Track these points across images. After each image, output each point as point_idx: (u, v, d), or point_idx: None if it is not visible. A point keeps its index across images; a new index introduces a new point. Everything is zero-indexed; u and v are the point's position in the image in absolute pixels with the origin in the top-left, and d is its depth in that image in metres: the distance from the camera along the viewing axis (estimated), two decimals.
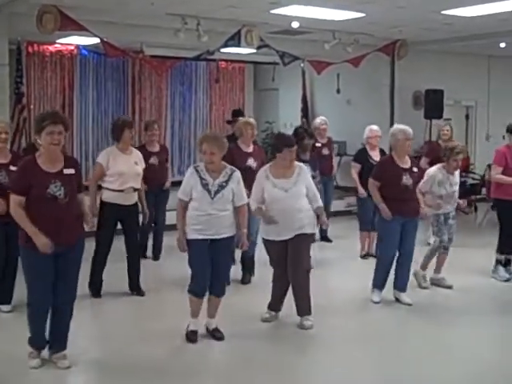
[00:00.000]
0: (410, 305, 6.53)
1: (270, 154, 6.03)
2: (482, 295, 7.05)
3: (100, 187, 6.72)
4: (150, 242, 8.47)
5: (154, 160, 8.03)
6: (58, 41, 11.54)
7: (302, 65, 12.58)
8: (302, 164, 6.02)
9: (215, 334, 5.54)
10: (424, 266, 7.21)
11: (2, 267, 5.99)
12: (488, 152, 11.42)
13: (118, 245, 6.80)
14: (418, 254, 6.91)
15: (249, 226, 5.81)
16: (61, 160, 4.75)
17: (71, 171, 4.76)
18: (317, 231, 8.55)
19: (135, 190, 6.69)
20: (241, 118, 7.87)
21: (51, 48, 12.33)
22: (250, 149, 7.23)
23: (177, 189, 5.57)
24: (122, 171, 6.59)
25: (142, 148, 7.63)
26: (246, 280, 7.34)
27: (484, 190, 11.68)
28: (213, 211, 5.31)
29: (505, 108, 13.52)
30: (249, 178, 5.97)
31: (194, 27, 9.78)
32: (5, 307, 6.12)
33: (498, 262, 7.58)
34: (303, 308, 5.87)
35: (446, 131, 9.22)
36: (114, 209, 6.58)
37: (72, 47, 12.35)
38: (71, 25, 8.94)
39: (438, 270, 7.30)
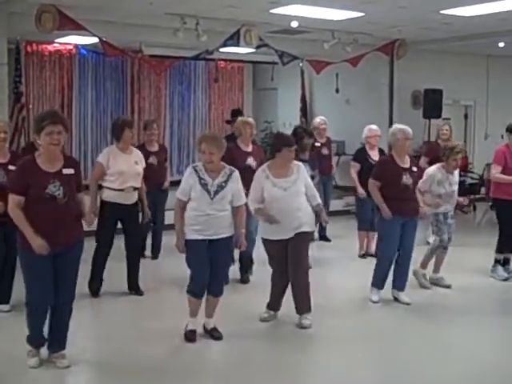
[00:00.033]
0: (408, 304, 6.54)
1: (269, 154, 6.02)
2: (481, 295, 7.05)
3: (100, 186, 6.72)
4: (149, 242, 8.48)
5: (152, 159, 8.04)
6: (56, 40, 11.53)
7: (300, 64, 12.57)
8: (300, 163, 6.02)
9: (214, 334, 5.54)
10: (424, 265, 7.22)
11: (0, 267, 5.99)
12: (487, 151, 11.43)
13: (117, 244, 6.80)
14: (418, 253, 6.91)
15: (247, 225, 5.81)
16: (60, 160, 4.74)
17: (70, 171, 4.74)
18: (316, 230, 8.62)
19: (135, 189, 6.70)
20: (240, 118, 7.87)
21: (50, 47, 12.32)
22: (249, 148, 7.24)
23: (176, 188, 5.56)
24: (122, 170, 6.59)
25: (140, 147, 7.63)
26: (244, 279, 7.34)
27: (483, 190, 11.69)
28: (212, 211, 5.31)
29: (503, 107, 13.53)
30: (248, 177, 5.97)
31: (193, 27, 9.78)
32: (3, 307, 6.12)
33: (496, 261, 7.59)
34: (303, 306, 5.87)
35: (445, 131, 9.22)
36: (114, 208, 6.59)
37: (71, 47, 12.34)
38: (70, 24, 8.93)
39: (436, 269, 7.31)
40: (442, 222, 7.10)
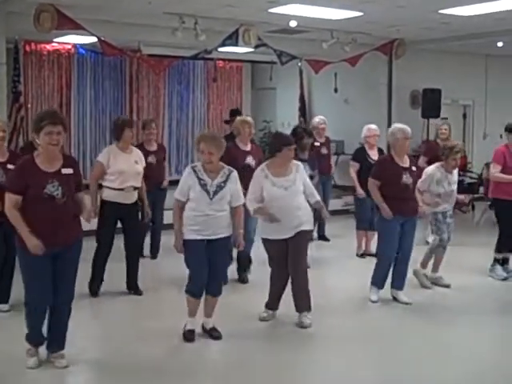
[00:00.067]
0: (407, 303, 6.54)
1: (268, 153, 6.02)
2: (480, 294, 7.05)
3: (100, 186, 6.71)
4: (148, 241, 8.46)
5: (151, 159, 8.03)
6: (55, 40, 11.54)
7: (299, 64, 12.56)
8: (298, 162, 6.02)
9: (213, 334, 5.54)
10: (424, 265, 7.22)
11: (0, 266, 5.99)
12: (485, 151, 11.45)
13: (117, 244, 6.79)
14: (417, 253, 6.90)
15: (245, 225, 5.81)
16: (59, 159, 4.72)
17: (69, 171, 4.73)
18: (314, 230, 8.62)
19: (135, 188, 6.70)
20: (238, 117, 7.86)
21: (48, 47, 12.33)
22: (248, 147, 7.24)
23: (174, 188, 5.55)
24: (122, 170, 6.59)
25: (139, 147, 7.62)
26: (243, 279, 7.34)
27: (481, 189, 11.69)
28: (210, 212, 5.30)
29: (502, 107, 13.54)
30: (247, 176, 5.96)
31: (191, 26, 9.78)
32: (2, 306, 6.12)
33: (495, 260, 7.59)
34: (302, 305, 5.87)
35: (444, 130, 9.23)
36: (114, 207, 6.58)
37: (69, 46, 12.34)
38: (68, 23, 8.93)
39: (435, 268, 7.31)
40: (441, 221, 7.11)
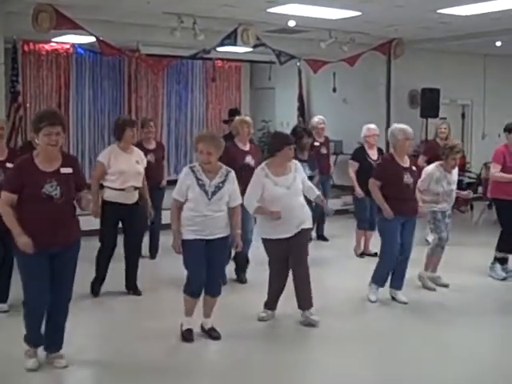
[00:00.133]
0: (405, 303, 6.54)
1: (267, 153, 6.02)
2: (480, 294, 7.04)
3: (102, 186, 6.70)
4: (146, 241, 8.44)
5: (150, 157, 7.99)
6: (53, 39, 11.53)
7: (298, 64, 12.57)
8: (295, 161, 6.02)
9: (212, 334, 5.53)
10: (427, 267, 7.20)
11: None
12: (484, 151, 11.48)
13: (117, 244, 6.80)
14: (416, 253, 6.89)
15: (243, 225, 5.81)
16: (58, 159, 4.70)
17: (68, 170, 4.70)
18: (313, 230, 8.62)
19: (136, 188, 6.68)
20: (237, 117, 7.85)
21: (47, 47, 12.33)
22: (247, 147, 7.22)
23: (173, 188, 5.54)
24: (122, 170, 6.58)
25: (138, 145, 7.61)
26: (241, 279, 7.33)
27: (480, 189, 11.70)
28: (208, 212, 5.29)
29: (501, 107, 13.55)
30: (247, 176, 5.95)
31: (190, 26, 9.78)
32: (1, 306, 6.11)
33: (496, 259, 7.59)
34: (306, 302, 5.87)
35: (444, 129, 9.24)
36: (115, 208, 6.57)
37: (68, 46, 12.34)
38: (67, 23, 8.94)
39: (434, 268, 7.30)
40: (440, 220, 7.09)
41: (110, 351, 5.35)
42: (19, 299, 4.96)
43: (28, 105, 11.93)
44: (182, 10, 9.44)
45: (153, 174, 7.91)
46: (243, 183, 5.71)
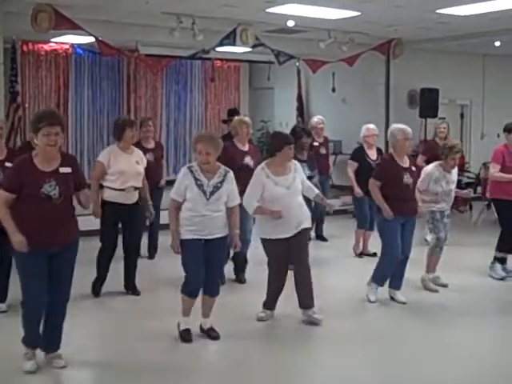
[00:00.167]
0: (404, 303, 6.53)
1: (266, 153, 6.02)
2: (480, 294, 7.03)
3: (101, 186, 6.70)
4: (145, 241, 8.43)
5: (149, 156, 7.96)
6: (52, 40, 11.53)
7: (297, 64, 12.57)
8: (294, 161, 6.02)
9: (211, 334, 5.53)
10: (428, 268, 7.19)
11: None
12: (483, 151, 11.47)
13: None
14: (415, 253, 6.88)
15: (241, 225, 5.80)
16: (57, 159, 4.69)
17: (67, 170, 4.69)
18: (312, 230, 8.61)
19: (136, 188, 6.68)
20: (236, 117, 7.85)
21: (46, 47, 12.33)
22: (246, 147, 7.22)
23: (171, 188, 5.53)
24: (122, 170, 6.57)
25: (136, 144, 7.60)
26: (240, 279, 7.33)
27: (479, 189, 11.70)
28: (207, 212, 5.29)
29: (500, 107, 13.55)
30: (246, 176, 5.95)
31: (189, 26, 9.78)
32: (0, 306, 6.10)
33: (496, 258, 7.59)
34: (308, 301, 5.87)
35: (443, 129, 9.25)
36: (115, 208, 6.56)
37: (67, 46, 12.35)
38: (66, 23, 8.93)
39: (432, 268, 7.29)
40: (438, 219, 7.08)
41: (109, 351, 5.34)
42: (18, 299, 4.95)
43: (27, 105, 11.94)
44: (181, 10, 9.44)
45: (152, 173, 7.89)
46: (242, 183, 5.70)
